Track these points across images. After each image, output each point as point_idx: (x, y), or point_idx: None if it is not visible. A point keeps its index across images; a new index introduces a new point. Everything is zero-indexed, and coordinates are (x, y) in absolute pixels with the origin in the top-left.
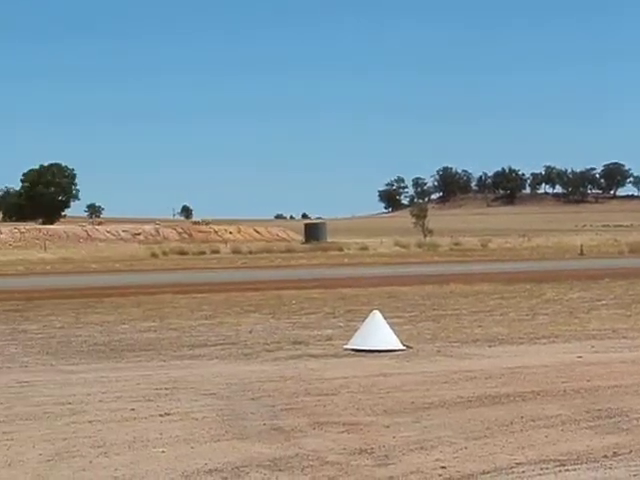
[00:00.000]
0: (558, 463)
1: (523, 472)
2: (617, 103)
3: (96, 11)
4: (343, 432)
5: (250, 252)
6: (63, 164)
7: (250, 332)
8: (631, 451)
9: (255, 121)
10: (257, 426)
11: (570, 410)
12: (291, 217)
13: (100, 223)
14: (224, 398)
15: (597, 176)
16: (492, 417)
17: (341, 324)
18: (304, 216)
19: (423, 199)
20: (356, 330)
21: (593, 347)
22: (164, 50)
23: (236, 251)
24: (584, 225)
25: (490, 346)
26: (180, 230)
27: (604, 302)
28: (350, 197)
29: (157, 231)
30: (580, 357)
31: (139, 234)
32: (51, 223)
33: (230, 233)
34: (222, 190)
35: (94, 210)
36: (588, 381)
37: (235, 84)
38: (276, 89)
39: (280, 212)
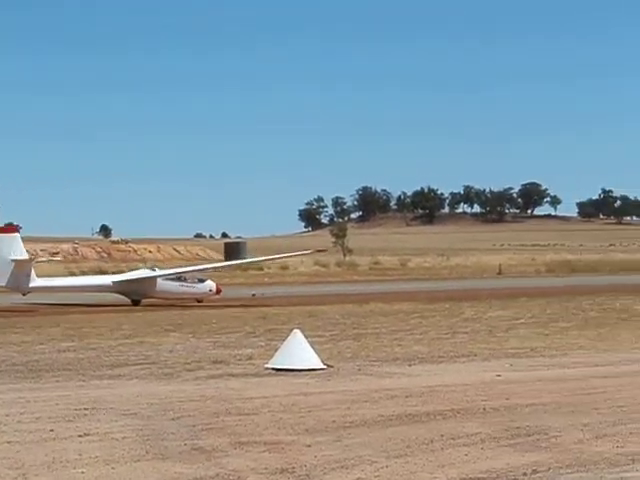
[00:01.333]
0: None
1: None
2: (534, 124)
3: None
4: (264, 451)
5: None
6: None
7: (170, 351)
8: (550, 468)
9: (174, 139)
10: (178, 446)
11: (489, 428)
12: (211, 236)
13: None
14: (144, 418)
15: (515, 196)
16: (412, 435)
17: (262, 343)
18: (224, 235)
19: (343, 218)
20: (277, 349)
21: (512, 365)
22: (74, 67)
23: None
24: (502, 244)
25: (410, 365)
26: (99, 249)
27: (522, 321)
28: (270, 216)
29: (76, 250)
30: (499, 375)
31: (57, 253)
32: None
33: (150, 252)
34: (141, 209)
35: None
36: (507, 399)
37: (154, 101)
38: (194, 106)
39: (200, 231)
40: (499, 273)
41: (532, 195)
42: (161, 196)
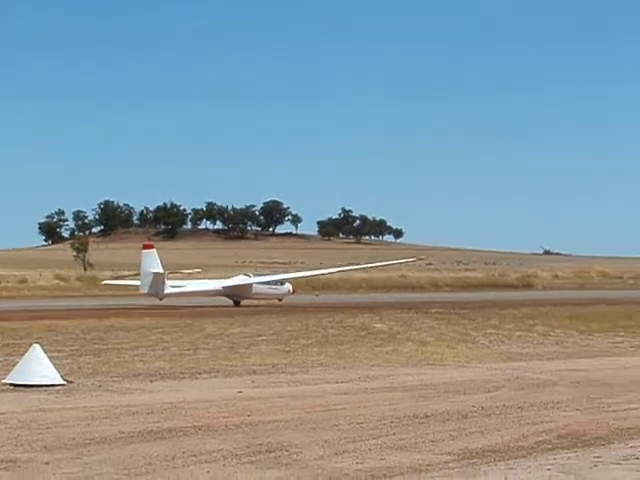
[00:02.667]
0: None
1: None
2: (275, 140)
3: None
4: (0, 470)
5: None
6: None
7: None
8: None
9: None
10: None
11: (231, 445)
12: None
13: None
14: None
15: (257, 213)
16: (154, 452)
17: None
18: None
19: (84, 232)
20: (15, 364)
21: (254, 382)
22: None
23: None
24: (244, 261)
25: (152, 381)
26: None
27: (264, 337)
28: (9, 229)
29: None
30: (241, 392)
31: None
32: None
33: None
34: None
35: None
36: (249, 416)
37: None
38: None
39: None
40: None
41: (274, 213)
42: None
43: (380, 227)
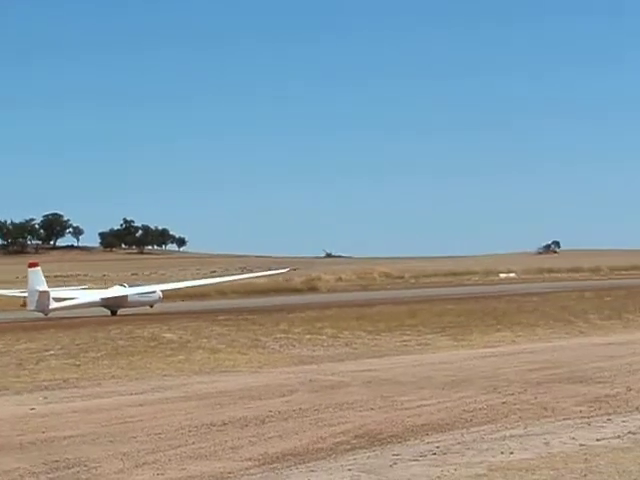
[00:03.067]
0: None
1: None
2: (59, 152)
3: None
4: None
5: None
6: None
7: None
8: None
9: None
10: None
11: (28, 463)
12: None
13: None
14: None
15: (37, 227)
16: None
17: None
18: None
19: None
20: None
21: (46, 398)
22: None
23: None
24: (25, 276)
25: None
26: None
27: (52, 352)
28: None
29: None
30: (33, 409)
31: None
32: None
33: None
34: None
35: None
36: (43, 432)
37: None
38: None
39: None
40: (23, 305)
41: (54, 226)
42: None
43: (163, 236)
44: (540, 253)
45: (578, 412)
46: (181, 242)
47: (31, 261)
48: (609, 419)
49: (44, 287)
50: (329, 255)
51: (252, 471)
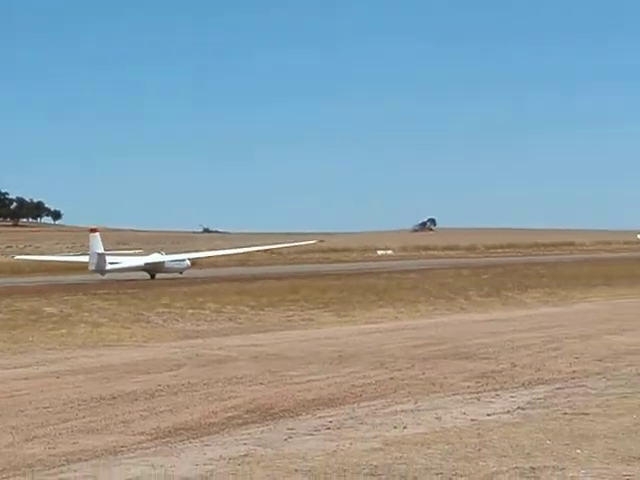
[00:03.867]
0: None
1: None
2: None
3: None
4: None
5: None
6: None
7: None
8: None
9: None
10: None
11: None
12: None
13: None
14: None
15: None
16: None
17: None
18: None
19: None
20: None
21: None
22: None
23: None
24: None
25: None
26: None
27: None
28: None
29: None
30: None
31: None
32: None
33: None
34: None
35: None
36: None
37: None
38: None
39: None
40: None
41: None
42: None
43: (38, 209)
44: (416, 230)
45: (466, 387)
46: (56, 215)
47: (92, 227)
48: (497, 394)
49: (102, 250)
50: (207, 230)
51: (145, 445)
